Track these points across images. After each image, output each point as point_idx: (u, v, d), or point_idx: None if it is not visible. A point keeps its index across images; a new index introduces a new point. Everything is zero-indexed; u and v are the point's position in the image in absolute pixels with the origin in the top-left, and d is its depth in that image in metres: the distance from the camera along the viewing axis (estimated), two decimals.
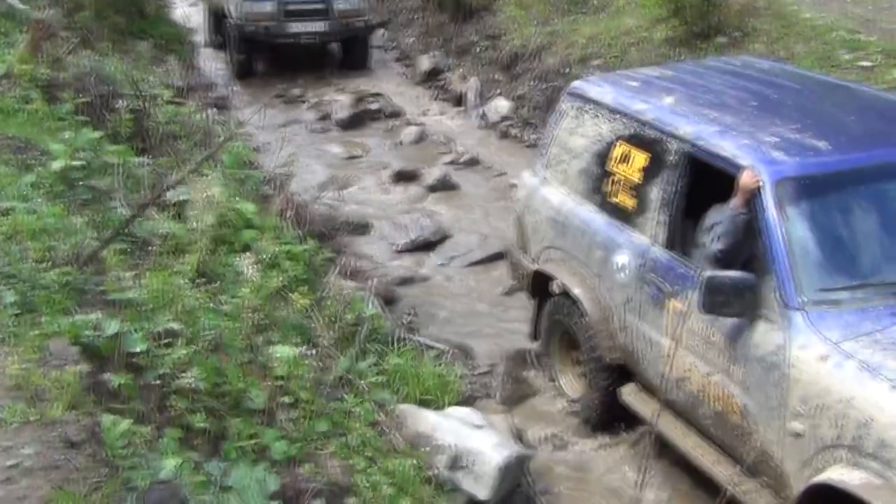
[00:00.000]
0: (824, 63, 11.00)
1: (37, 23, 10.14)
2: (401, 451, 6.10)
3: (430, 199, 12.25)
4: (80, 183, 7.27)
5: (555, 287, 7.30)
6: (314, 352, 6.51)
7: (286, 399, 5.73)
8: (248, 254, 7.54)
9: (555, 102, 13.50)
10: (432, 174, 12.76)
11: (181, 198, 7.77)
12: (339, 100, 16.09)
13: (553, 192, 7.47)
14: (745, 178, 5.57)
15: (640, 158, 6.58)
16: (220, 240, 7.64)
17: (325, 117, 15.69)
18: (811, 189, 5.60)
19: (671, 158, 6.31)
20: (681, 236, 6.25)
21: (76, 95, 9.04)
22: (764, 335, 5.37)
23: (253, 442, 5.18)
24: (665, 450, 6.60)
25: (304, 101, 16.51)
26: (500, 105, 14.97)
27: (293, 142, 13.80)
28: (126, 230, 6.63)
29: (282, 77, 17.51)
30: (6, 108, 8.65)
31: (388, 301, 9.03)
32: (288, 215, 9.22)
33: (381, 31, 20.18)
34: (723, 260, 5.59)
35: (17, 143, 7.85)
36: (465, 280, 10.08)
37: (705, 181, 6.09)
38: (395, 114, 15.82)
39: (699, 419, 6.04)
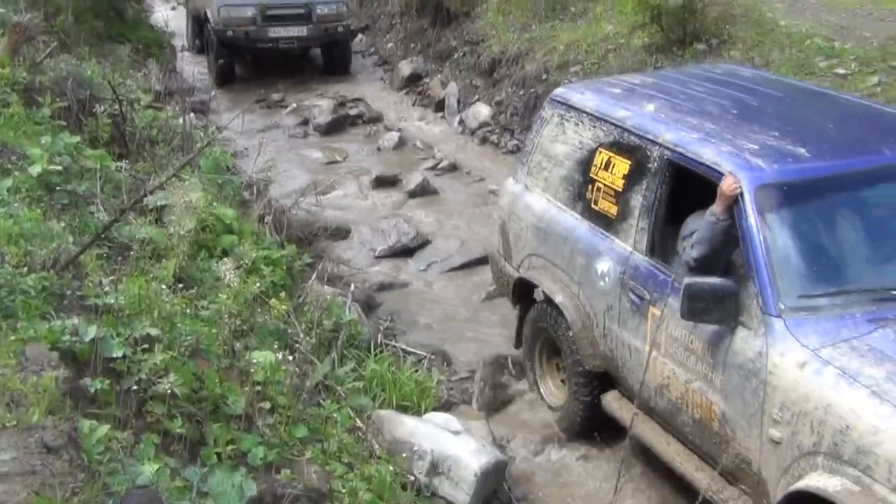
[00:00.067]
0: (800, 70, 11.07)
1: (14, 26, 10.08)
2: (379, 457, 6.12)
3: (410, 205, 12.27)
4: (59, 187, 7.24)
5: (537, 294, 7.32)
6: (293, 357, 6.52)
7: (264, 405, 5.72)
8: (226, 259, 7.55)
9: (534, 108, 13.71)
10: (412, 180, 12.77)
11: (160, 203, 7.75)
12: (319, 105, 16.12)
13: (535, 200, 7.49)
14: (726, 185, 5.60)
15: (621, 165, 6.60)
16: (199, 245, 7.63)
17: (304, 122, 15.71)
18: (791, 196, 5.63)
19: (652, 165, 6.34)
20: (662, 244, 6.26)
21: (54, 100, 9.00)
22: (743, 342, 5.39)
23: (231, 448, 5.17)
24: (646, 457, 6.63)
25: (283, 107, 16.52)
26: (480, 111, 15.00)
27: (273, 147, 13.82)
28: (105, 235, 6.61)
29: (262, 82, 17.52)
30: None
31: (367, 307, 9.04)
32: (267, 221, 9.23)
33: (361, 36, 20.20)
34: (699, 267, 5.61)
35: None
36: (445, 286, 10.10)
37: (686, 188, 6.13)
38: (375, 119, 15.86)
39: (679, 427, 6.06)
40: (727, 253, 5.69)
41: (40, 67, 9.84)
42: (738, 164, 5.72)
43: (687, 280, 5.44)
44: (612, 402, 6.80)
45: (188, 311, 6.14)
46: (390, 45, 19.39)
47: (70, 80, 9.62)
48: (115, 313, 5.41)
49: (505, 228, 7.86)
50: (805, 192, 5.68)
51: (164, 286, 6.07)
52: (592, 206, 6.84)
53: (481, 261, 10.31)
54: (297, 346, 6.92)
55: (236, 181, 10.13)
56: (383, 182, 12.90)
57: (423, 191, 12.56)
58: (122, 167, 8.47)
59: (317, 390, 6.56)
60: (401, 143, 14.64)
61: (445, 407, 7.39)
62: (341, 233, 11.14)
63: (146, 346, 5.18)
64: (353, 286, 9.01)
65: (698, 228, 5.72)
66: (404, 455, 6.15)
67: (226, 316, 6.28)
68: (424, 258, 10.69)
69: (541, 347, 7.61)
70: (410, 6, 18.66)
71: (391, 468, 5.91)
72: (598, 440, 7.13)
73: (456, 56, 16.80)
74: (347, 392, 6.77)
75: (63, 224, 6.47)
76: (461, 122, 15.22)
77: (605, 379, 6.90)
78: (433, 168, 13.47)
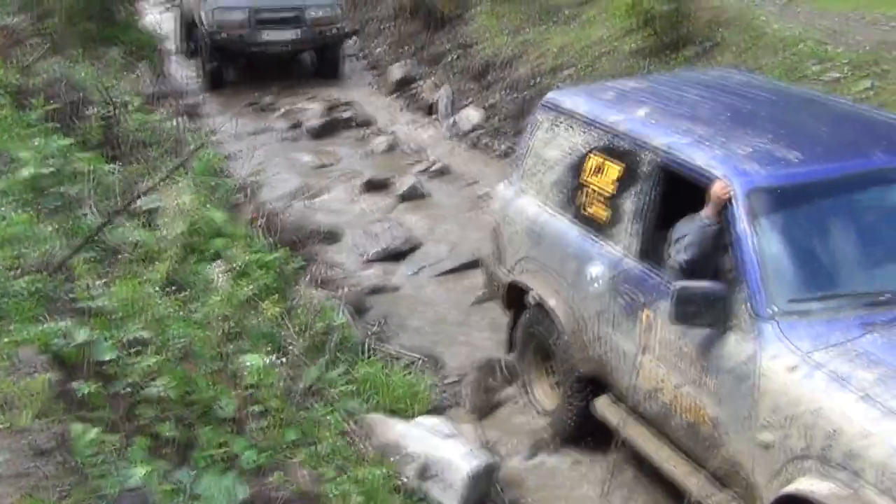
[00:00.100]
0: (792, 74, 11.11)
1: (5, 29, 10.08)
2: (370, 460, 6.11)
3: (401, 209, 12.26)
4: (50, 190, 7.25)
5: (529, 299, 7.33)
6: (284, 360, 6.51)
7: (256, 408, 5.72)
8: (218, 262, 7.55)
9: (526, 112, 13.73)
10: (403, 183, 12.76)
11: (151, 206, 7.75)
12: (311, 108, 16.10)
13: (528, 204, 7.50)
14: (717, 189, 5.61)
15: (613, 170, 6.61)
16: (191, 248, 7.64)
17: (296, 126, 15.68)
18: (782, 200, 5.65)
19: (644, 169, 6.35)
20: (653, 247, 6.25)
21: (46, 102, 9.00)
22: (735, 346, 5.40)
23: (222, 450, 5.18)
24: (638, 462, 6.63)
25: (275, 110, 16.49)
26: (472, 114, 15.00)
27: (264, 150, 13.78)
28: (96, 238, 6.62)
29: (253, 85, 17.48)
30: None
31: (359, 310, 9.04)
32: (259, 223, 9.23)
33: (353, 39, 20.19)
34: (688, 270, 5.63)
35: None
36: (436, 289, 10.09)
37: (678, 193, 6.14)
38: (367, 123, 15.84)
39: (671, 431, 6.07)
40: (716, 257, 5.69)
41: (32, 70, 9.84)
42: (729, 168, 5.74)
43: (678, 284, 5.45)
44: (604, 406, 6.79)
45: (179, 313, 6.15)
46: (382, 48, 19.38)
47: (62, 83, 9.63)
48: (107, 316, 5.43)
49: (497, 232, 7.86)
50: (796, 196, 5.70)
51: (155, 289, 6.09)
52: (584, 210, 6.85)
53: (472, 265, 10.31)
54: (288, 349, 6.92)
55: (228, 184, 10.13)
56: (374, 185, 12.89)
57: (414, 194, 12.55)
58: (113, 170, 8.47)
59: (308, 393, 6.56)
60: (392, 147, 14.63)
61: (436, 410, 7.38)
62: (333, 236, 11.13)
63: (137, 348, 5.20)
64: (344, 289, 9.01)
65: (688, 232, 5.73)
66: (395, 458, 6.15)
67: (217, 319, 6.29)
68: (415, 262, 10.68)
69: (533, 352, 7.60)
70: (403, 9, 18.67)
71: (382, 471, 5.90)
72: (589, 444, 7.12)
73: (448, 59, 16.81)
74: (339, 395, 6.77)
75: (54, 227, 6.48)
76: (453, 125, 15.21)
77: (597, 383, 6.90)
78: (424, 172, 13.45)
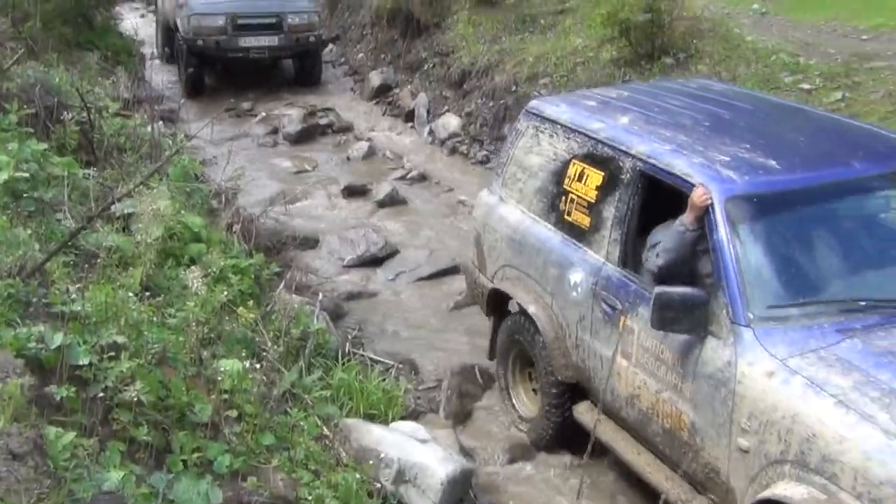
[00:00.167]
0: (766, 85, 11.19)
1: None
2: (346, 464, 6.12)
3: (379, 215, 12.28)
4: (25, 195, 7.21)
5: (511, 306, 7.35)
6: (260, 366, 6.50)
7: (231, 413, 5.71)
8: (194, 267, 7.53)
9: (503, 120, 13.79)
10: (381, 189, 12.79)
11: (128, 211, 7.73)
12: (289, 114, 16.11)
13: (510, 211, 7.53)
14: (696, 196, 5.66)
15: (594, 177, 6.65)
16: (167, 253, 7.61)
17: (274, 131, 15.70)
18: (761, 207, 5.70)
19: (625, 177, 6.39)
20: (634, 254, 6.30)
21: (21, 106, 8.95)
22: (713, 352, 5.44)
23: (197, 455, 5.17)
24: (620, 468, 6.66)
25: (253, 116, 16.50)
26: (449, 122, 15.05)
27: (242, 156, 13.76)
28: (71, 243, 6.59)
29: (232, 91, 17.45)
30: None
31: (336, 316, 9.05)
32: (235, 229, 9.22)
33: (332, 46, 20.20)
34: (663, 275, 5.67)
35: None
36: (413, 295, 10.11)
37: (659, 200, 6.18)
38: (345, 129, 15.87)
39: (650, 436, 6.10)
40: (692, 263, 5.74)
41: (7, 74, 9.77)
42: (709, 176, 5.79)
43: (657, 289, 5.49)
44: (584, 412, 6.82)
45: (155, 318, 6.13)
46: (361, 55, 19.41)
47: (38, 87, 9.56)
48: (82, 321, 5.40)
49: (479, 240, 7.89)
50: (775, 203, 5.76)
51: (130, 294, 6.06)
52: (566, 217, 6.88)
53: (450, 271, 10.37)
54: (264, 354, 6.91)
55: (205, 189, 10.11)
56: (352, 191, 12.92)
57: (392, 201, 12.58)
58: (89, 175, 8.43)
59: (284, 399, 6.56)
60: (370, 153, 14.65)
61: (413, 416, 7.40)
62: (310, 242, 11.14)
63: (112, 353, 5.17)
64: (321, 295, 9.01)
65: (665, 238, 5.77)
66: (371, 463, 6.16)
67: (193, 324, 6.27)
68: (393, 268, 10.70)
69: (514, 359, 7.62)
70: (381, 17, 18.68)
71: (358, 476, 5.92)
72: (566, 451, 7.15)
73: (426, 67, 16.84)
74: (315, 400, 6.77)
75: (29, 231, 6.44)
76: (431, 132, 15.26)
77: (577, 390, 6.93)
78: (402, 178, 13.49)
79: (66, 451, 4.35)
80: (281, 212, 11.49)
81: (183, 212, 8.27)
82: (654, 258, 5.74)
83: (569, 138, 7.01)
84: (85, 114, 9.68)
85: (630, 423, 6.29)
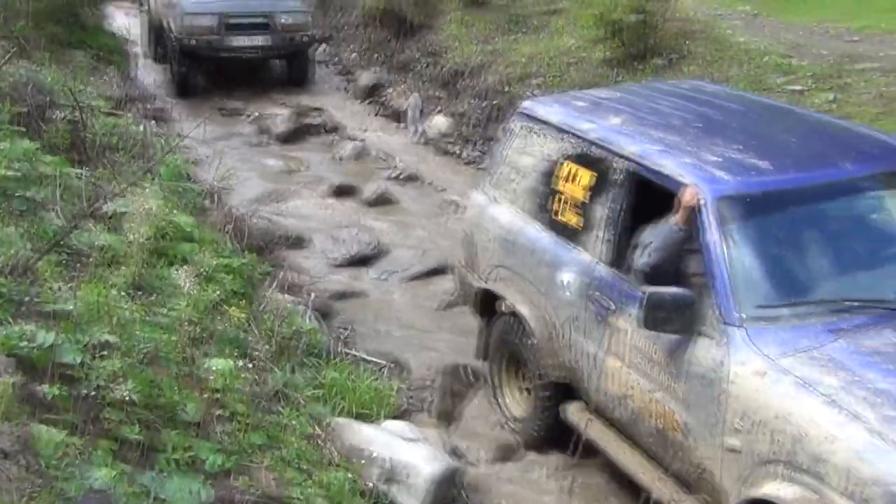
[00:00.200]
0: (757, 86, 11.24)
1: None
2: (336, 464, 6.11)
3: (370, 214, 12.26)
4: (16, 194, 7.20)
5: (502, 306, 7.36)
6: (251, 365, 6.50)
7: (222, 412, 5.71)
8: (185, 267, 7.52)
9: (494, 120, 13.80)
10: (371, 189, 12.78)
11: (119, 210, 7.71)
12: (279, 114, 16.06)
13: (502, 211, 7.54)
14: (687, 196, 5.68)
15: (586, 177, 6.66)
16: (158, 252, 7.60)
17: (264, 131, 15.65)
18: (751, 207, 5.73)
19: (616, 177, 6.41)
20: (625, 254, 6.31)
21: (12, 105, 8.93)
22: (704, 351, 5.46)
23: (187, 454, 5.16)
24: (612, 469, 6.66)
25: (244, 115, 16.45)
26: (440, 122, 15.05)
27: (232, 155, 13.77)
28: (62, 242, 6.58)
29: (223, 91, 17.42)
30: None
31: (326, 315, 9.04)
32: (226, 229, 9.22)
33: (323, 46, 20.17)
34: (651, 275, 5.69)
35: None
36: (403, 295, 10.11)
37: (650, 200, 6.19)
38: (335, 129, 15.84)
39: (641, 436, 6.12)
40: (681, 263, 5.76)
41: None
42: (699, 176, 5.82)
43: (648, 289, 5.51)
44: (574, 412, 6.83)
45: (146, 318, 6.12)
46: (353, 55, 19.39)
47: (29, 86, 9.55)
48: (72, 320, 5.39)
49: (471, 240, 7.89)
50: (766, 204, 5.79)
51: (121, 293, 6.06)
52: (557, 217, 6.90)
53: (439, 270, 10.37)
54: (255, 353, 6.91)
55: (196, 189, 10.10)
56: (342, 191, 12.90)
57: (383, 200, 12.58)
58: (80, 174, 8.40)
59: (275, 398, 6.54)
60: (361, 153, 14.62)
61: (403, 415, 7.40)
62: (300, 241, 11.12)
63: (103, 352, 5.16)
64: (312, 295, 9.01)
65: (654, 238, 5.79)
66: (361, 462, 6.16)
67: (184, 323, 6.26)
68: (383, 267, 10.70)
69: (504, 359, 7.62)
70: (373, 17, 18.67)
71: (348, 475, 5.91)
72: (558, 451, 7.14)
73: (417, 67, 16.84)
74: (305, 400, 6.76)
75: (20, 230, 6.43)
76: (422, 132, 15.25)
77: (568, 390, 6.93)
78: (393, 178, 13.48)
79: (56, 450, 4.34)
80: (272, 211, 11.50)
81: (174, 211, 8.26)
82: (645, 257, 5.76)
83: (561, 139, 7.03)
84: (76, 113, 9.67)
85: (621, 423, 6.31)
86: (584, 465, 6.94)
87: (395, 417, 7.15)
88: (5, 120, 8.68)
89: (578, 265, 6.59)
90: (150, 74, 18.04)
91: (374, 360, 8.28)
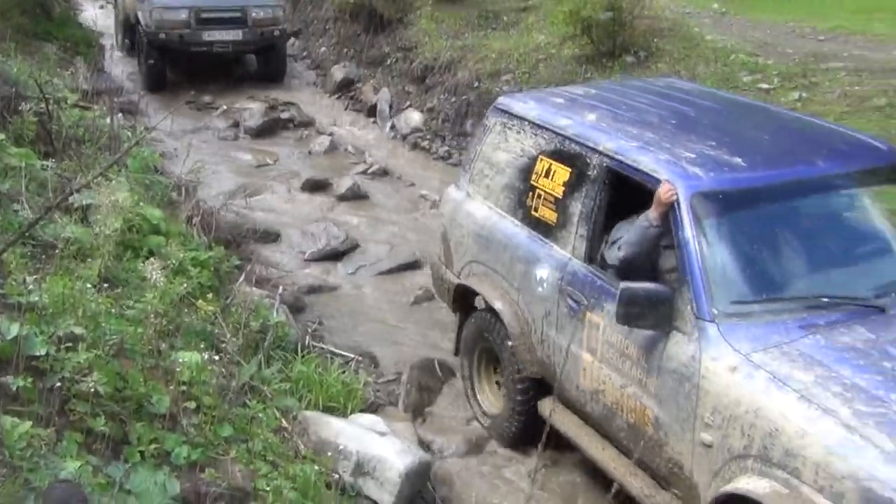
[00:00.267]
0: (725, 84, 11.30)
1: None
2: (304, 456, 6.09)
3: (340, 209, 12.25)
4: None
5: (478, 302, 7.34)
6: (219, 358, 6.48)
7: (189, 404, 5.68)
8: (153, 259, 7.47)
9: (465, 115, 13.81)
10: (342, 184, 12.77)
11: (86, 202, 7.65)
12: (250, 108, 16.01)
13: (477, 207, 7.53)
14: (662, 192, 5.68)
15: (562, 173, 6.66)
16: (126, 245, 7.55)
17: (235, 125, 15.60)
18: (726, 204, 5.74)
19: (592, 173, 6.41)
20: (600, 250, 6.32)
21: None
22: (677, 347, 5.46)
23: (154, 447, 5.13)
24: (586, 465, 6.67)
25: (214, 109, 16.38)
26: (412, 117, 15.05)
27: (202, 149, 13.73)
28: (29, 234, 6.52)
29: (193, 84, 17.30)
30: None
31: (296, 309, 9.02)
32: (195, 222, 9.17)
33: (295, 40, 20.11)
34: (623, 268, 5.70)
35: None
36: (374, 289, 10.10)
37: (625, 196, 6.21)
38: (307, 123, 15.82)
39: (614, 431, 6.12)
40: (653, 258, 5.77)
41: None
42: (674, 172, 5.82)
43: (622, 285, 5.50)
44: (549, 407, 6.82)
45: (113, 310, 6.07)
46: (323, 49, 19.34)
47: None
48: (39, 311, 5.35)
49: (446, 236, 7.88)
50: (740, 200, 5.81)
51: (88, 285, 6.00)
52: (533, 213, 6.89)
53: (410, 265, 10.38)
54: (223, 346, 6.89)
55: (164, 182, 10.05)
56: (314, 186, 12.88)
57: (354, 195, 12.56)
58: (47, 166, 8.34)
59: (243, 391, 6.52)
60: (332, 148, 14.61)
61: (372, 409, 7.39)
62: (270, 235, 11.10)
63: (70, 344, 5.13)
64: (281, 288, 8.99)
65: (628, 233, 5.80)
66: (330, 455, 6.13)
67: (151, 316, 6.22)
68: (354, 262, 10.69)
69: (479, 354, 7.61)
70: (344, 11, 18.62)
71: (316, 468, 5.89)
72: (531, 446, 7.16)
73: (389, 62, 16.82)
74: (274, 393, 6.74)
75: None
76: (393, 127, 15.26)
77: (543, 385, 6.94)
78: (364, 173, 13.48)
79: (22, 441, 4.32)
80: (241, 205, 11.46)
81: (142, 204, 8.20)
82: (616, 251, 5.77)
83: (536, 135, 7.03)
84: (43, 105, 9.58)
85: (594, 418, 6.31)
86: (558, 461, 6.97)
87: (363, 411, 7.14)
88: None
89: (553, 261, 6.59)
90: (120, 67, 17.91)
91: (344, 353, 8.26)
